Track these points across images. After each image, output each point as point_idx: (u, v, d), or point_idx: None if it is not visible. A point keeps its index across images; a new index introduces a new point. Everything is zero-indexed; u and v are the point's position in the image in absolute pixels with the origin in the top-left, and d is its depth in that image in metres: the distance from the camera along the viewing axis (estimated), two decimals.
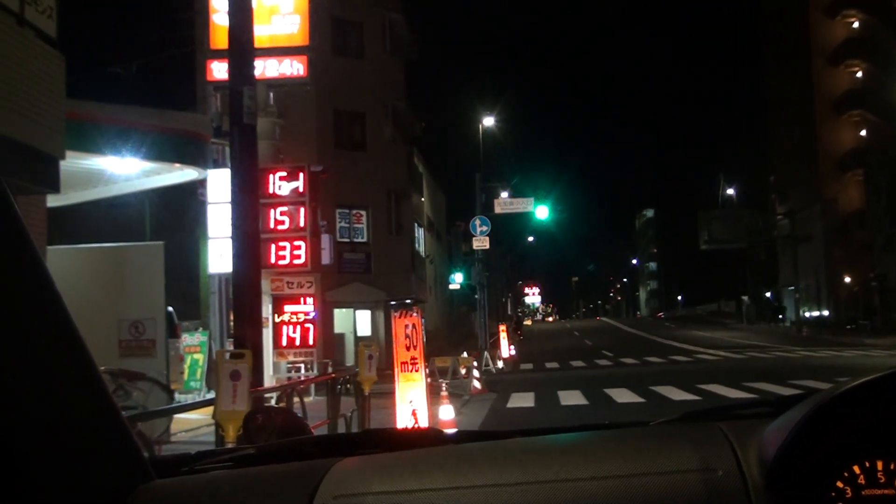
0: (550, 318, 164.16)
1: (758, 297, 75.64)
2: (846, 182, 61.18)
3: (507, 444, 1.67)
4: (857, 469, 1.40)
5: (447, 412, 13.79)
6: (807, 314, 57.98)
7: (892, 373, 1.35)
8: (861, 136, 61.96)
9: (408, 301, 32.38)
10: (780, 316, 59.98)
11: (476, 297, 40.63)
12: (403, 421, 11.42)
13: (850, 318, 52.64)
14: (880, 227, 51.11)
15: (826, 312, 57.83)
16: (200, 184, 17.87)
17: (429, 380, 12.86)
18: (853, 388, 1.35)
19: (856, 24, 62.58)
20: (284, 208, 18.07)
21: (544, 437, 1.74)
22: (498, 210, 36.84)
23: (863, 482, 1.39)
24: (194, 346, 18.42)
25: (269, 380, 16.53)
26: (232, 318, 12.30)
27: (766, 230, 64.13)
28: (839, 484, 1.38)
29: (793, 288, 59.01)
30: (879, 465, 1.40)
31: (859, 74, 62.44)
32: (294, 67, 19.53)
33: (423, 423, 11.44)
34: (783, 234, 61.85)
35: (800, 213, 59.80)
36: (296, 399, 10.20)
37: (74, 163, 12.15)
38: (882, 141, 56.07)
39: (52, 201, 12.66)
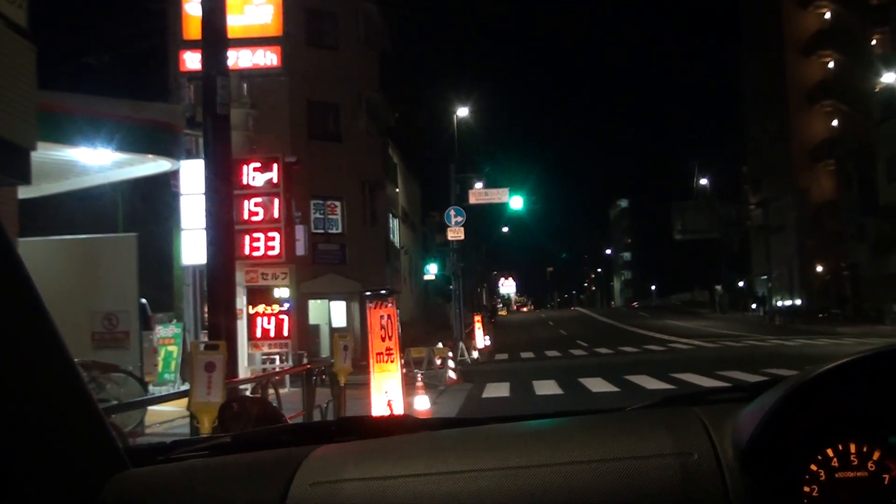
0: (525, 308, 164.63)
1: (731, 286, 76.12)
2: (818, 172, 61.54)
3: (482, 431, 1.68)
4: (830, 452, 1.41)
5: (423, 402, 13.81)
6: (779, 303, 58.35)
7: (862, 356, 1.37)
8: (833, 127, 62.29)
9: (383, 291, 32.33)
10: (761, 305, 60.09)
11: (451, 287, 40.64)
12: (379, 411, 11.42)
13: (822, 307, 53.01)
14: (852, 216, 51.51)
15: (798, 301, 58.21)
16: (173, 175, 17.76)
17: (404, 370, 12.87)
18: (826, 372, 1.36)
19: (827, 15, 62.91)
20: (258, 199, 17.96)
21: (520, 424, 1.74)
22: (473, 200, 36.82)
23: (836, 465, 1.40)
24: (168, 337, 18.34)
25: (243, 371, 16.47)
26: (206, 309, 12.25)
27: (739, 220, 64.52)
28: (813, 467, 1.40)
29: (766, 277, 59.43)
30: (852, 447, 1.41)
31: (831, 65, 62.77)
32: (267, 58, 19.46)
33: (399, 413, 11.44)
34: (756, 224, 62.31)
35: (772, 203, 60.20)
36: (271, 390, 10.19)
37: (46, 154, 12.03)
38: (854, 131, 56.45)
39: (24, 193, 12.55)
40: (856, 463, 1.41)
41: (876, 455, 1.41)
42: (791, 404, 1.36)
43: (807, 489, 1.39)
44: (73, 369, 1.53)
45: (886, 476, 1.40)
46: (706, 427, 1.45)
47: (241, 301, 16.86)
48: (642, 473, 1.36)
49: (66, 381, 1.52)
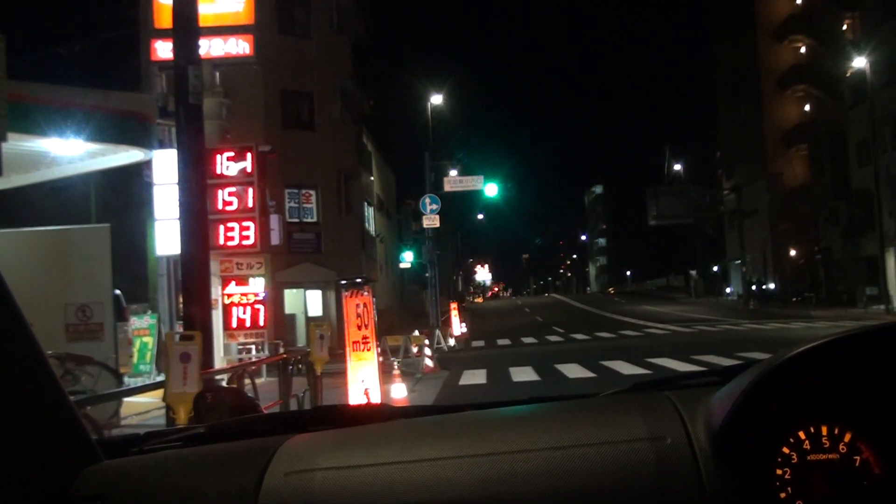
0: (506, 294, 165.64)
1: (706, 271, 76.48)
2: (791, 157, 61.83)
3: (457, 418, 1.68)
4: (802, 435, 1.42)
5: (399, 390, 13.82)
6: (753, 287, 58.60)
7: (832, 339, 1.37)
8: (805, 112, 62.60)
9: (358, 280, 32.26)
10: (754, 288, 60.00)
11: (427, 275, 40.66)
12: (356, 400, 11.42)
13: (795, 291, 53.32)
14: (824, 200, 51.80)
15: (772, 285, 58.49)
16: (146, 165, 17.64)
17: (381, 359, 12.87)
18: (796, 356, 1.37)
19: (799, 0, 63.21)
20: (232, 189, 17.89)
21: (495, 410, 1.74)
22: (448, 188, 36.83)
23: (808, 447, 1.41)
24: (143, 328, 18.26)
25: (219, 362, 16.42)
26: (181, 299, 12.19)
27: (712, 205, 64.64)
28: (785, 450, 1.40)
29: (739, 262, 59.71)
30: (824, 430, 1.42)
31: (803, 50, 63.05)
32: (240, 46, 19.36)
33: (376, 401, 11.44)
34: (730, 208, 62.47)
35: (746, 187, 60.38)
36: (247, 380, 10.16)
37: (16, 145, 11.92)
38: (826, 116, 56.74)
39: None
40: (827, 445, 1.42)
41: (847, 437, 1.42)
42: (763, 388, 1.37)
43: (779, 472, 1.39)
44: (43, 362, 1.52)
45: (857, 458, 1.41)
46: (679, 412, 1.45)
47: (216, 291, 16.79)
48: (616, 458, 1.37)
49: (36, 373, 1.50)
